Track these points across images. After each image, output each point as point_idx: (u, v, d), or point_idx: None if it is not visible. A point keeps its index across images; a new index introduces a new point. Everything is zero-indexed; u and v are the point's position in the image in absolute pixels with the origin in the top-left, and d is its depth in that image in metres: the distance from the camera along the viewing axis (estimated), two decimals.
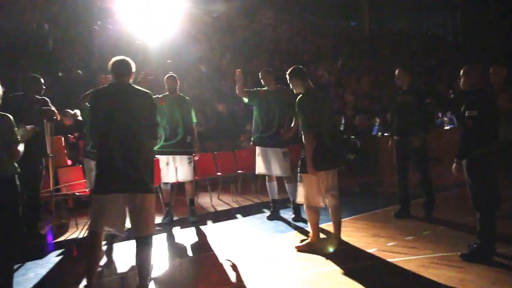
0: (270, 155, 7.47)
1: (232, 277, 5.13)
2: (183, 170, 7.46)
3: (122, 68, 4.50)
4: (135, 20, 16.01)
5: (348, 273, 5.02)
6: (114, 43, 13.56)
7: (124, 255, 5.75)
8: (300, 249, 5.87)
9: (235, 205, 9.14)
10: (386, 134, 12.59)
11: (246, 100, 7.69)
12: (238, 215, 8.28)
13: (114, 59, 4.56)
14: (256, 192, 9.94)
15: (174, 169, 7.47)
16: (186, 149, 7.47)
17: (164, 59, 14.54)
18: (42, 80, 7.11)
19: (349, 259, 5.49)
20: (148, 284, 4.44)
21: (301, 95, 5.88)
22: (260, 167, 7.59)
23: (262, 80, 7.57)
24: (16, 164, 4.51)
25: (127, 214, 4.38)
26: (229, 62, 16.79)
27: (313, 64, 19.21)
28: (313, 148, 5.65)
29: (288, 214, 7.71)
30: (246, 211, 8.52)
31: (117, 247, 5.91)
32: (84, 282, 4.56)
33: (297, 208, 7.50)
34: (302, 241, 6.15)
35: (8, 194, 4.42)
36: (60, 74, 11.86)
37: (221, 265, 5.54)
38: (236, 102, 14.62)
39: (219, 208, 8.91)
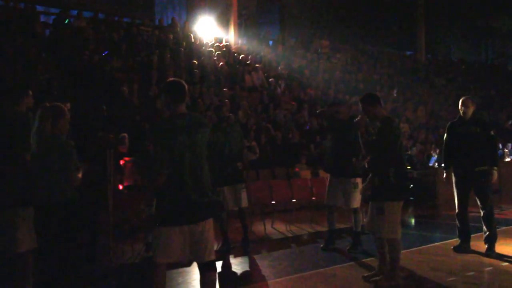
0: (340, 185, 7.38)
1: None
2: (237, 197, 7.49)
3: (179, 91, 4.28)
4: (191, 48, 16.42)
5: None
6: (173, 72, 13.87)
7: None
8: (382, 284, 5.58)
9: (289, 235, 9.09)
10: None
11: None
12: (292, 245, 8.23)
13: (169, 81, 4.41)
14: (311, 222, 9.85)
15: (228, 198, 7.49)
16: (238, 177, 7.53)
17: (221, 88, 14.78)
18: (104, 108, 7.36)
19: None
20: None
21: (388, 121, 5.66)
22: (330, 197, 7.49)
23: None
24: (74, 191, 4.62)
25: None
26: (284, 90, 16.89)
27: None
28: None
29: (342, 245, 7.60)
30: (301, 241, 8.46)
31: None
32: None
33: (357, 240, 7.38)
34: (370, 275, 5.85)
35: (64, 219, 4.52)
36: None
37: None
38: (290, 131, 14.69)
39: (273, 237, 8.87)
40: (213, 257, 4.25)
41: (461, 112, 7.26)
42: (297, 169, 12.59)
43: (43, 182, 4.61)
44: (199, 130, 4.24)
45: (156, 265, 4.23)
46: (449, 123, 7.54)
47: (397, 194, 5.53)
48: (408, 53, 27.97)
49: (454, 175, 7.22)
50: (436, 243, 7.86)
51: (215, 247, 4.33)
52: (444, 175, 7.39)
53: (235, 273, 6.49)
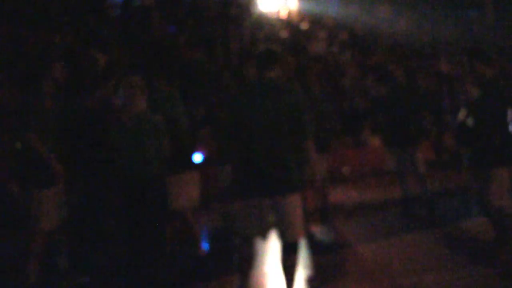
0: (401, 152, 7.40)
1: (370, 276, 5.08)
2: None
3: (266, 59, 4.17)
4: (254, 20, 16.41)
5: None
6: (237, 44, 13.93)
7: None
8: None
9: (364, 202, 9.08)
10: None
11: None
12: (369, 212, 8.24)
13: (259, 49, 4.37)
14: (384, 189, 9.80)
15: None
16: (320, 145, 7.44)
17: (285, 58, 14.71)
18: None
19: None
20: None
21: (497, 82, 5.31)
22: (392, 163, 7.53)
23: None
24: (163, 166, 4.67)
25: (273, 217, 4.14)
26: (348, 58, 16.68)
27: (432, 57, 18.62)
28: None
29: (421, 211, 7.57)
30: (378, 207, 8.48)
31: None
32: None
33: (430, 206, 7.37)
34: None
35: (155, 195, 4.57)
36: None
37: (356, 263, 5.57)
38: (356, 98, 14.54)
39: (348, 205, 8.89)
40: (296, 239, 4.07)
41: None
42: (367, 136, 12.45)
43: (136, 157, 4.65)
44: (282, 96, 4.04)
45: (241, 240, 4.18)
46: None
47: (504, 159, 5.16)
48: (473, 12, 26.85)
49: None
50: None
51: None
52: None
53: (316, 241, 6.56)
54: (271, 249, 5.72)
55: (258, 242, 4.31)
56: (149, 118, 4.69)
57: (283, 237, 4.08)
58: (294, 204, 4.05)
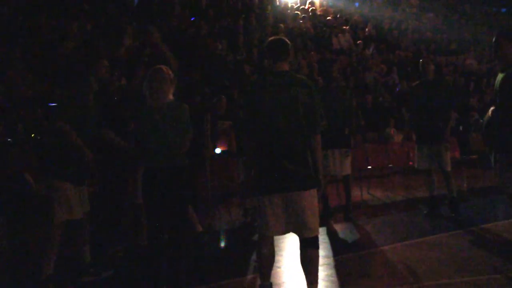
0: (431, 148, 7.13)
1: (398, 276, 4.85)
2: (340, 163, 7.20)
3: (278, 50, 4.04)
4: (276, 12, 16.14)
5: None
6: (259, 36, 13.71)
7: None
8: None
9: (387, 200, 8.83)
10: None
11: None
12: (392, 211, 7.97)
13: (270, 39, 4.14)
14: (408, 187, 9.54)
15: (331, 162, 7.08)
16: (344, 141, 7.24)
17: (308, 51, 14.47)
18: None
19: None
20: None
21: None
22: (420, 161, 7.25)
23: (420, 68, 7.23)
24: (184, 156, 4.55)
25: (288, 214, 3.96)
26: (373, 52, 16.35)
27: (461, 53, 18.22)
28: None
29: (447, 211, 7.28)
30: (400, 207, 8.19)
31: None
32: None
33: (456, 206, 7.10)
34: None
35: (175, 184, 4.41)
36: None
37: (384, 263, 5.31)
38: (380, 94, 14.25)
39: (371, 203, 8.64)
40: (313, 234, 3.93)
41: None
42: (392, 132, 12.17)
43: (158, 146, 4.52)
44: (296, 89, 3.90)
45: (260, 237, 4.03)
46: None
47: None
48: (503, 10, 26.32)
49: None
50: None
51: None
52: None
53: (339, 240, 6.32)
54: (291, 245, 5.60)
55: (277, 239, 4.20)
56: (175, 108, 4.56)
57: (300, 232, 3.96)
58: (310, 199, 3.91)
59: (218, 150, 8.66)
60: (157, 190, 4.42)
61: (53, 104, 5.38)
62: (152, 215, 4.54)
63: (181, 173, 4.51)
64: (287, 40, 4.12)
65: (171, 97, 4.55)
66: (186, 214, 4.92)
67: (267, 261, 4.04)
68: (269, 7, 16.25)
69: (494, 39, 4.99)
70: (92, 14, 11.88)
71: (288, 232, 3.99)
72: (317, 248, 3.98)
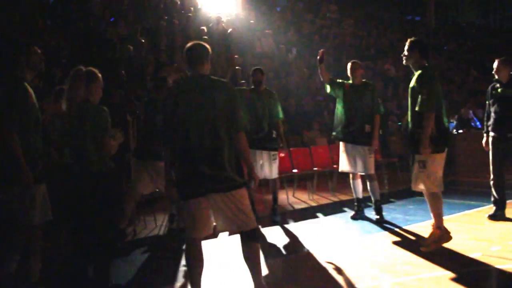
0: (354, 152, 7.15)
1: (328, 280, 4.82)
2: (268, 167, 7.15)
3: (196, 54, 4.01)
4: (199, 15, 15.92)
5: (459, 279, 4.63)
6: (181, 39, 13.45)
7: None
8: (428, 249, 5.42)
9: (313, 203, 8.84)
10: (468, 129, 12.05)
11: (328, 88, 7.29)
12: (319, 214, 7.97)
13: (188, 45, 4.07)
14: (332, 190, 9.60)
15: (259, 165, 7.07)
16: (271, 144, 7.18)
17: (232, 54, 14.34)
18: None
19: (456, 263, 5.10)
20: (263, 283, 3.97)
21: (426, 69, 5.50)
22: (344, 165, 7.28)
23: (349, 72, 7.24)
24: (106, 161, 4.38)
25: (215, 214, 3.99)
26: (295, 57, 16.48)
27: (379, 59, 18.70)
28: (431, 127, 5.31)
29: (371, 214, 7.36)
30: (326, 210, 8.21)
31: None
32: None
33: (379, 208, 7.18)
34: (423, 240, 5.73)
35: (92, 189, 4.30)
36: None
37: (314, 267, 5.26)
38: (303, 98, 14.35)
39: (297, 207, 8.62)
40: (249, 228, 3.91)
41: (496, 75, 6.99)
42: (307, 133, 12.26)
43: (76, 150, 4.39)
44: (214, 92, 3.87)
45: (187, 240, 4.00)
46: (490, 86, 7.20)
47: (438, 147, 5.39)
48: (417, 18, 27.47)
49: (491, 140, 6.95)
50: (468, 211, 7.61)
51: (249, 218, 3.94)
52: (484, 139, 7.10)
53: (266, 244, 6.21)
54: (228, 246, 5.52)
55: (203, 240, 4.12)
56: (92, 109, 4.43)
57: (233, 229, 4.01)
58: (238, 198, 3.90)
59: None
60: (84, 196, 4.36)
61: None
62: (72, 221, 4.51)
63: (96, 179, 4.37)
64: (206, 45, 4.07)
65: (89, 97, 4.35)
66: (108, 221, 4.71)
67: (196, 266, 3.97)
68: (192, 9, 16.03)
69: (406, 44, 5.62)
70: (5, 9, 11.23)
71: (222, 231, 4.20)
72: (256, 240, 3.98)
